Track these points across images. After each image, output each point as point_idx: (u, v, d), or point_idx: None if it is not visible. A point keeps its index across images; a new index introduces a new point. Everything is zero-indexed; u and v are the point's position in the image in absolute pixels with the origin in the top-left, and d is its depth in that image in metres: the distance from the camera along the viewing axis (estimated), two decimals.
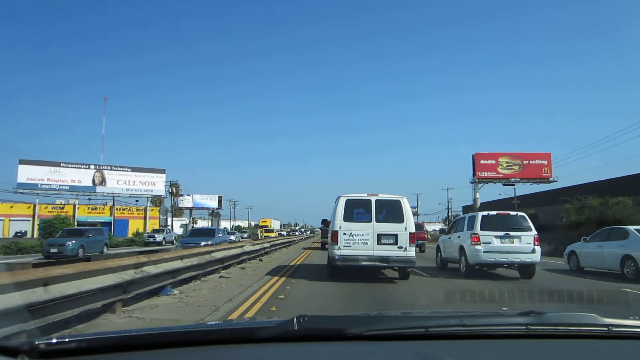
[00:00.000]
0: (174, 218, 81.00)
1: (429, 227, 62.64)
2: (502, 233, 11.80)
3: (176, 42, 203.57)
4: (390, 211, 10.40)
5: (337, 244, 10.18)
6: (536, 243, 11.74)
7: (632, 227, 12.90)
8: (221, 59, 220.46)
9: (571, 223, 31.00)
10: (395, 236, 10.11)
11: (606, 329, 1.62)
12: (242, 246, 14.26)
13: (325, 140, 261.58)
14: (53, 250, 22.06)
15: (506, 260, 11.68)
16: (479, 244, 11.74)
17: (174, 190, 67.34)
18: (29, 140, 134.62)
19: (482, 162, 59.05)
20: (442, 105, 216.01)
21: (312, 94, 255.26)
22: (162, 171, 63.51)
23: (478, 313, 2.19)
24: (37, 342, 1.36)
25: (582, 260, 14.22)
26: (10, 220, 52.72)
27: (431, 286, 10.02)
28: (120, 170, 61.61)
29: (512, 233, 11.75)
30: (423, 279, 11.48)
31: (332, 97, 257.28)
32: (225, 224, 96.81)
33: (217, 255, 10.75)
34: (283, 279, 11.13)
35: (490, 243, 11.71)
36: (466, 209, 67.91)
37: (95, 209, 60.24)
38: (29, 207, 54.94)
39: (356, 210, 10.48)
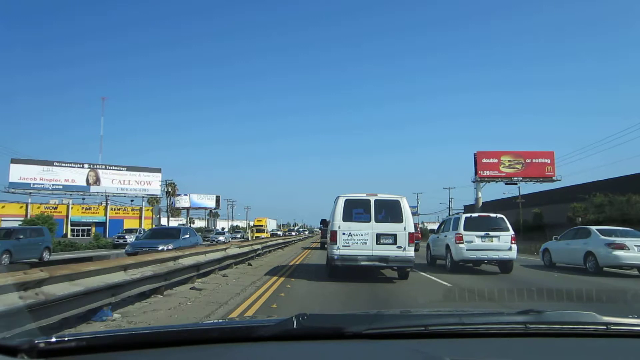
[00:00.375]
0: (171, 218, 78.73)
1: (430, 227, 60.27)
2: (483, 233, 12.99)
3: (175, 42, 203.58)
4: (389, 211, 10.35)
5: (336, 244, 10.12)
6: (513, 242, 12.95)
7: (594, 227, 14.53)
8: (220, 59, 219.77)
9: (589, 222, 28.50)
10: (394, 236, 10.08)
11: (605, 327, 1.60)
12: (225, 249, 11.87)
13: (324, 140, 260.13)
14: None
15: (486, 257, 12.97)
16: (462, 243, 12.96)
17: (170, 189, 64.82)
18: (26, 141, 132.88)
19: (484, 160, 57.01)
20: (442, 105, 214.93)
21: (312, 94, 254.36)
22: (158, 170, 61.30)
23: (477, 312, 2.23)
24: (36, 341, 1.35)
25: (553, 256, 15.61)
26: (1, 220, 50.28)
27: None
28: (114, 170, 59.39)
29: (491, 233, 12.98)
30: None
31: (331, 97, 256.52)
32: (223, 224, 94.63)
33: (187, 261, 8.43)
34: (273, 288, 9.35)
35: (472, 242, 12.91)
36: (467, 208, 65.91)
37: (90, 209, 57.95)
38: (21, 207, 53.15)
39: (355, 210, 10.42)
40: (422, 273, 12.47)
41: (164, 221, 72.15)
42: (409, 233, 10.09)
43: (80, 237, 54.18)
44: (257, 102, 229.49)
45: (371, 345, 1.49)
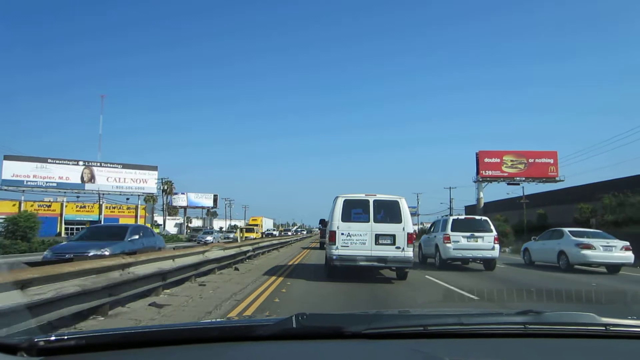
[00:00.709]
0: (168, 217, 76.69)
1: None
2: (468, 234, 14.05)
3: (175, 43, 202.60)
4: (388, 211, 10.33)
5: (334, 244, 10.06)
6: (496, 242, 14.05)
7: (566, 229, 16.00)
8: (220, 59, 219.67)
9: (605, 223, 26.38)
10: (393, 236, 10.05)
11: (604, 328, 1.60)
12: (204, 252, 9.75)
13: (324, 139, 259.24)
14: None
15: (471, 255, 14.06)
16: (450, 242, 13.98)
17: (167, 188, 62.68)
18: (25, 140, 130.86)
19: (486, 160, 55.17)
20: (442, 104, 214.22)
21: (312, 94, 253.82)
22: (154, 168, 59.34)
23: (476, 312, 2.32)
24: (36, 340, 1.36)
25: (532, 255, 17.10)
26: None
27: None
28: (110, 167, 57.47)
29: (476, 234, 14.02)
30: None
31: (331, 97, 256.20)
32: (221, 223, 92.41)
33: (143, 270, 6.41)
34: (258, 302, 7.67)
35: (458, 242, 13.94)
36: (469, 209, 64.03)
37: (84, 207, 55.77)
38: (14, 205, 51.22)
39: (354, 211, 10.37)
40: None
41: (160, 220, 70.08)
42: (408, 233, 10.04)
43: (75, 235, 51.82)
44: (257, 102, 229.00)
45: (370, 345, 1.49)
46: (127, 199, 59.84)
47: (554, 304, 6.94)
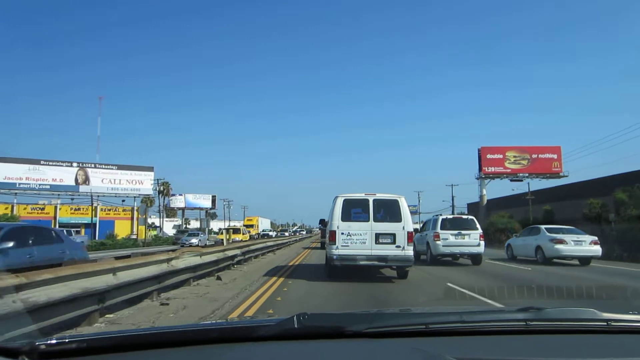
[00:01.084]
0: (166, 219, 74.62)
1: None
2: (456, 232, 15.33)
3: (175, 43, 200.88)
4: (388, 210, 10.25)
5: (335, 244, 9.98)
6: (481, 239, 15.43)
7: (543, 226, 17.73)
8: (220, 59, 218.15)
9: (631, 218, 24.39)
10: (393, 235, 9.97)
11: (605, 323, 1.60)
12: (167, 260, 7.60)
13: (324, 139, 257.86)
14: None
15: (459, 251, 15.47)
16: (439, 240, 15.26)
17: (164, 189, 60.62)
18: (25, 141, 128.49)
19: (489, 156, 53.46)
20: (443, 103, 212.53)
21: (312, 94, 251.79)
22: (150, 169, 57.46)
23: (477, 309, 2.36)
24: (37, 343, 1.35)
25: (514, 250, 18.31)
26: None
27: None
28: (105, 169, 55.55)
29: (463, 232, 15.35)
30: None
31: (331, 96, 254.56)
32: (220, 224, 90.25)
33: (46, 294, 4.25)
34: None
35: (447, 239, 15.24)
36: (471, 206, 62.28)
37: (79, 209, 53.72)
38: (6, 208, 49.40)
39: (354, 210, 10.27)
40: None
41: (157, 222, 68.02)
42: (408, 232, 10.07)
43: None
44: (257, 102, 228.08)
45: (372, 344, 1.49)
46: (123, 200, 58.07)
47: (554, 300, 6.86)
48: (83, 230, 57.22)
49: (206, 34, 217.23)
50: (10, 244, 7.74)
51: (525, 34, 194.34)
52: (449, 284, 9.83)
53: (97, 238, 49.09)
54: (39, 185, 53.99)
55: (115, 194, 58.04)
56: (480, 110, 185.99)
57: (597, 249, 15.70)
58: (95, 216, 58.59)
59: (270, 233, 61.94)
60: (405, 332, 1.56)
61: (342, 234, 9.98)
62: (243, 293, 8.32)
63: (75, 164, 56.02)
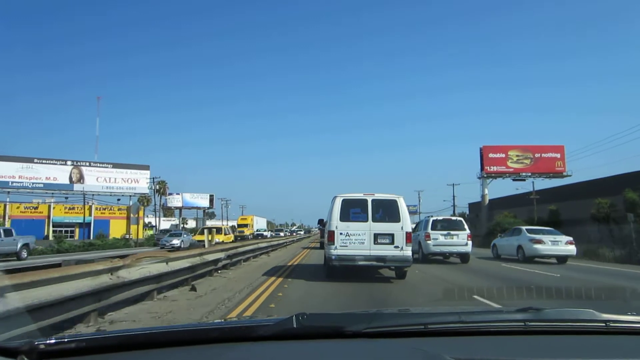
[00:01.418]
0: (163, 218, 72.99)
1: None
2: (445, 232, 16.28)
3: (175, 43, 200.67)
4: (387, 211, 10.20)
5: (333, 244, 9.93)
6: (468, 239, 16.43)
7: (524, 227, 18.91)
8: (219, 59, 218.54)
9: None
10: (392, 236, 9.91)
11: (604, 324, 1.60)
12: (109, 270, 5.66)
13: (324, 139, 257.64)
14: None
15: (448, 250, 16.35)
16: (430, 240, 16.15)
17: (161, 188, 58.95)
18: (25, 141, 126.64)
19: (491, 155, 52.07)
20: (442, 104, 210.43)
21: (312, 94, 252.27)
22: (146, 167, 55.94)
23: (476, 310, 2.26)
24: (36, 343, 1.34)
25: (499, 249, 19.81)
26: None
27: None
28: (100, 167, 54.03)
29: (452, 232, 16.30)
30: None
31: (331, 96, 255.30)
32: (218, 223, 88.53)
33: None
34: None
35: (437, 239, 16.15)
36: (473, 206, 60.70)
37: (73, 208, 52.09)
38: None
39: (352, 210, 10.21)
40: None
41: (153, 221, 66.36)
42: (407, 233, 10.04)
43: (63, 238, 48.12)
44: (257, 102, 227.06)
45: (371, 344, 1.48)
46: (118, 199, 56.58)
47: (553, 301, 6.85)
48: (78, 230, 55.54)
49: (206, 34, 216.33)
50: None
51: (524, 33, 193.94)
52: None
53: (91, 238, 47.38)
54: (32, 183, 52.54)
55: (111, 192, 56.60)
56: (481, 110, 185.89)
57: (572, 249, 16.94)
58: (90, 215, 56.96)
59: (265, 233, 58.15)
60: (404, 332, 1.56)
61: (341, 234, 9.94)
62: (218, 310, 6.62)
63: (69, 162, 54.53)
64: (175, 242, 32.21)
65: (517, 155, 53.15)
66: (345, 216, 10.06)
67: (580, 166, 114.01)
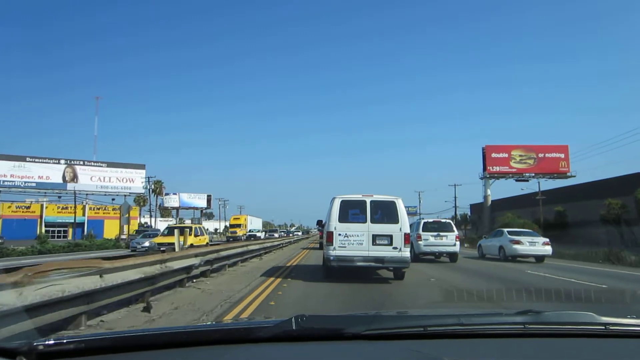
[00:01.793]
0: (160, 218, 71.18)
1: None
2: (435, 233, 17.28)
3: (175, 43, 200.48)
4: (385, 212, 10.16)
5: (332, 245, 9.92)
6: (457, 240, 17.57)
7: (505, 229, 20.67)
8: (218, 59, 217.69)
9: None
10: (390, 237, 9.89)
11: (604, 327, 1.59)
12: None
13: (324, 139, 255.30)
14: None
15: (438, 250, 17.39)
16: (421, 240, 17.12)
17: (157, 188, 57.05)
18: (25, 141, 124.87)
19: (494, 155, 50.65)
20: (445, 103, 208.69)
21: (312, 94, 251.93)
22: (142, 166, 54.30)
23: (476, 312, 2.22)
24: (35, 344, 1.33)
25: (484, 250, 21.14)
26: None
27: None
28: (94, 166, 52.43)
29: (442, 233, 17.31)
30: None
31: (331, 96, 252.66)
32: (216, 224, 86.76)
33: None
34: None
35: (428, 240, 17.18)
36: (474, 207, 58.82)
37: (66, 208, 50.22)
38: None
39: (351, 211, 10.18)
40: None
41: (151, 222, 64.44)
42: (405, 234, 9.96)
43: (56, 239, 46.36)
44: (257, 102, 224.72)
45: (370, 346, 1.48)
46: (113, 199, 55.05)
47: (553, 304, 6.70)
48: (71, 230, 53.58)
49: (204, 33, 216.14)
50: None
51: (524, 33, 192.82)
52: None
53: (83, 238, 45.43)
54: (25, 183, 50.95)
55: (105, 192, 55.04)
56: (484, 110, 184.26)
57: (548, 249, 18.27)
58: (84, 215, 55.06)
59: (259, 234, 53.35)
60: (404, 334, 1.55)
61: (340, 235, 9.93)
62: None
63: (62, 161, 52.95)
64: (148, 244, 25.74)
65: (521, 155, 51.69)
66: (344, 217, 10.06)
67: (585, 167, 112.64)
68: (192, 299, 7.61)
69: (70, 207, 54.58)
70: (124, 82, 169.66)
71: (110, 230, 53.47)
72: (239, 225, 56.27)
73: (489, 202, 53.02)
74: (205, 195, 75.34)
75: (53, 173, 52.75)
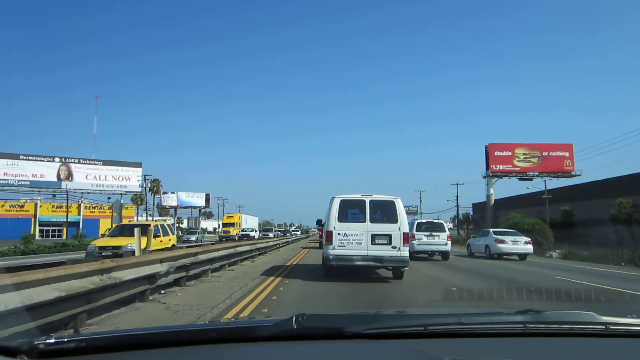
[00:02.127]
0: (158, 218, 69.32)
1: None
2: (428, 233, 18.31)
3: (175, 43, 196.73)
4: (384, 211, 10.20)
5: (331, 244, 9.95)
6: (448, 239, 18.69)
7: (491, 229, 22.22)
8: (218, 59, 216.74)
9: None
10: (389, 236, 9.93)
11: (604, 327, 1.58)
12: None
13: (325, 139, 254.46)
14: None
15: (430, 249, 18.46)
16: (415, 240, 17.71)
17: (154, 186, 55.44)
18: (25, 141, 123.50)
19: (497, 153, 49.20)
20: (447, 103, 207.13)
21: (312, 93, 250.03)
22: (138, 165, 52.82)
23: (476, 311, 2.20)
24: (36, 342, 1.32)
25: (472, 248, 22.75)
26: None
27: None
28: (89, 164, 50.91)
29: (434, 233, 18.35)
30: None
31: (331, 96, 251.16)
32: (215, 223, 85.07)
33: None
34: None
35: (421, 239, 18.15)
36: (477, 206, 57.26)
37: (61, 207, 48.57)
38: None
39: (350, 211, 10.17)
40: None
41: (148, 220, 62.75)
42: (404, 233, 10.01)
43: (50, 238, 44.75)
44: (257, 102, 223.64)
45: (371, 345, 1.47)
46: (109, 198, 53.58)
47: (553, 303, 6.69)
48: (66, 230, 51.91)
49: (204, 33, 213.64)
50: None
51: (525, 33, 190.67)
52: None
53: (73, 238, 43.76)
54: (18, 181, 49.39)
55: (101, 191, 53.74)
56: (486, 109, 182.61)
57: (529, 247, 19.76)
58: (79, 214, 53.42)
59: (252, 234, 49.68)
60: (404, 333, 1.55)
61: (339, 234, 9.97)
62: None
63: (57, 159, 51.61)
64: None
65: (524, 154, 50.29)
66: (343, 217, 10.08)
67: (589, 166, 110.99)
68: (147, 319, 5.83)
69: (65, 206, 52.99)
70: (124, 82, 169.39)
71: (105, 229, 51.89)
72: (232, 224, 53.37)
73: (492, 201, 51.60)
74: (204, 194, 73.86)
75: (47, 171, 51.34)
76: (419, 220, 20.60)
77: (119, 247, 13.60)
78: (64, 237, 49.79)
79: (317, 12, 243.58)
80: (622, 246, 26.68)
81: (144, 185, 56.19)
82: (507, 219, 34.23)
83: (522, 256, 19.44)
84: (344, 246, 9.87)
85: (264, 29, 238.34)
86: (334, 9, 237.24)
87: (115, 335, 1.49)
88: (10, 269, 7.25)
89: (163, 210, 75.21)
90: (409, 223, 18.24)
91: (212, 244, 14.84)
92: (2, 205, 50.78)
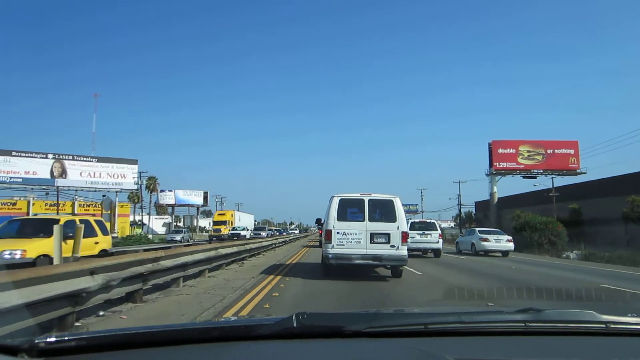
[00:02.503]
0: (156, 216, 67.80)
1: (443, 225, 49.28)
2: (421, 232, 19.40)
3: (175, 43, 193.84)
4: (383, 210, 10.26)
5: (330, 243, 10.00)
6: (440, 237, 20.00)
7: (477, 228, 24.74)
8: (218, 59, 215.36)
9: None
10: (388, 235, 9.96)
11: (604, 326, 1.58)
12: None
13: (325, 138, 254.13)
14: None
15: (423, 247, 19.74)
16: (409, 238, 17.24)
17: (151, 184, 53.75)
18: (24, 141, 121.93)
19: (500, 151, 47.77)
20: (449, 101, 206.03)
21: (311, 93, 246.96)
22: (134, 162, 51.39)
23: (477, 310, 2.24)
24: (36, 341, 1.32)
25: (460, 246, 24.25)
26: None
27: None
28: (83, 161, 49.28)
29: (426, 232, 19.53)
30: None
31: (331, 96, 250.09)
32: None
33: None
34: None
35: (415, 237, 18.57)
36: (480, 205, 55.79)
37: (55, 204, 46.51)
38: None
39: (350, 210, 10.26)
40: None
41: (146, 220, 61.00)
42: (402, 232, 10.04)
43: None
44: (257, 101, 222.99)
45: (371, 344, 1.47)
46: (104, 195, 50.92)
47: (553, 302, 6.60)
48: None
49: (203, 33, 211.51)
50: None
51: (525, 33, 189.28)
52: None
53: None
54: (10, 178, 47.77)
55: (95, 188, 52.33)
56: (489, 108, 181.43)
57: (511, 245, 21.33)
58: (73, 212, 51.56)
59: (243, 232, 45.71)
60: (405, 332, 1.55)
61: (338, 233, 10.01)
62: None
63: (50, 156, 50.12)
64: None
65: (528, 151, 48.97)
66: (342, 216, 10.15)
67: (593, 164, 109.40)
68: None
69: (60, 204, 51.22)
70: (124, 82, 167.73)
71: None
72: (224, 222, 49.88)
73: (496, 200, 50.38)
74: (202, 192, 72.36)
75: (40, 168, 49.89)
76: (413, 220, 22.11)
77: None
78: None
79: (317, 12, 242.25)
80: (632, 246, 25.15)
81: (140, 183, 54.81)
82: (514, 218, 32.74)
83: (505, 253, 21.03)
84: (343, 245, 10.00)
85: (264, 29, 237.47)
86: (334, 9, 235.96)
87: (116, 333, 1.49)
88: None
89: (161, 209, 73.68)
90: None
91: (190, 244, 12.97)
92: None
